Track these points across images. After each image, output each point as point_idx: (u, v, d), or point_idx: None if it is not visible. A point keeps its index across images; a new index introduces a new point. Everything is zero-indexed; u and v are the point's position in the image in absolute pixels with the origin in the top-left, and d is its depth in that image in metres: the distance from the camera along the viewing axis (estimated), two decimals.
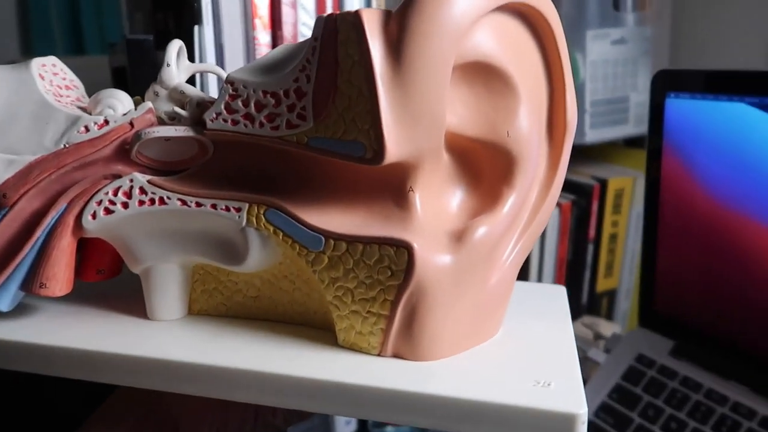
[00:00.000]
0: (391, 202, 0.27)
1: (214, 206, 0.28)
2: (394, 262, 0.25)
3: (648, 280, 0.51)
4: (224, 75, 0.32)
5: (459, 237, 0.27)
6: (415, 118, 0.25)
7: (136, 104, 0.31)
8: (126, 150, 0.29)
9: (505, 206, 0.28)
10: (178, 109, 0.28)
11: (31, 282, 0.29)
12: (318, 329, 0.30)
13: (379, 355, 0.27)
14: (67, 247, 0.29)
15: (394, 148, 0.25)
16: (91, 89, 0.32)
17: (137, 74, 0.41)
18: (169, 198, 0.28)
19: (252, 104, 0.27)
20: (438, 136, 0.26)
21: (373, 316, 0.26)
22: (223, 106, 0.27)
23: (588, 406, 0.23)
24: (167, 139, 0.29)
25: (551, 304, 0.34)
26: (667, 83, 0.47)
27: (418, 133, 0.25)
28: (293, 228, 0.27)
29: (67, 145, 0.29)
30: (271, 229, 0.27)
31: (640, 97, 0.61)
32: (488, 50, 0.26)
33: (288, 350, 0.28)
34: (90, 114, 0.30)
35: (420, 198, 0.27)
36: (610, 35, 0.59)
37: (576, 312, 0.65)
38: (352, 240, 0.26)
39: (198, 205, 0.28)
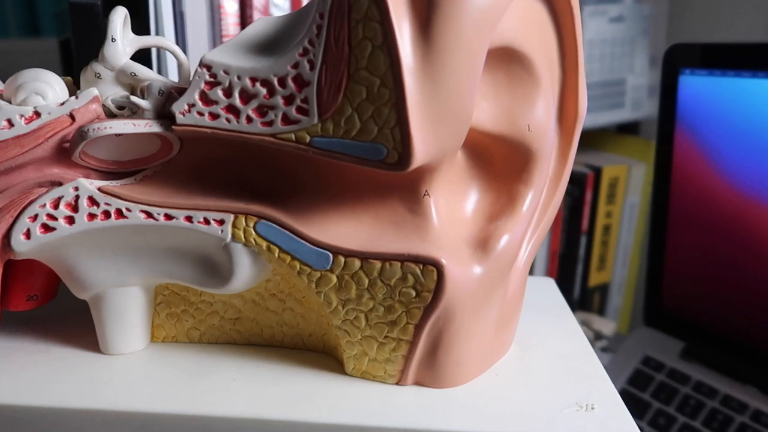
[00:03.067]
0: (403, 209, 0.23)
1: (189, 219, 0.23)
2: (421, 282, 0.22)
3: (655, 275, 0.46)
4: (178, 52, 0.27)
5: (482, 245, 0.23)
6: (443, 114, 0.21)
7: (69, 89, 0.25)
8: (64, 149, 0.23)
9: (524, 206, 0.25)
10: (136, 99, 0.23)
11: None
12: (314, 353, 0.26)
13: (397, 384, 0.24)
14: None
15: (422, 151, 0.21)
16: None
17: (83, 45, 0.33)
18: (129, 210, 0.23)
19: (236, 94, 0.22)
20: (463, 134, 0.22)
21: (393, 341, 0.23)
22: (197, 96, 0.22)
23: None
24: (118, 134, 0.23)
25: (546, 299, 0.32)
26: (681, 58, 0.42)
27: (445, 131, 0.21)
28: (292, 243, 0.23)
29: None
30: (264, 244, 0.23)
31: (637, 80, 0.57)
32: (514, 35, 0.23)
33: (287, 385, 0.23)
34: (9, 103, 0.23)
35: (435, 202, 0.24)
36: (607, 12, 0.54)
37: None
38: (367, 257, 0.22)
39: (168, 217, 0.23)
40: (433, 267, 0.22)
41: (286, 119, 0.22)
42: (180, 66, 0.26)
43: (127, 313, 0.25)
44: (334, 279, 0.23)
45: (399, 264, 0.22)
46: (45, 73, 0.24)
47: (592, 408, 0.22)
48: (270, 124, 0.22)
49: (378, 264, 0.22)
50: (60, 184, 0.23)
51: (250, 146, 0.22)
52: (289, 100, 0.21)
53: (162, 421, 0.22)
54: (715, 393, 0.42)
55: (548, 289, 0.34)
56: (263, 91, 0.22)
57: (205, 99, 0.22)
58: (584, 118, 0.28)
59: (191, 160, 0.24)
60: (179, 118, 0.22)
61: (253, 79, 0.22)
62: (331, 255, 0.23)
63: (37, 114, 0.22)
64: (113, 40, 0.24)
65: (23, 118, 0.22)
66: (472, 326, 0.23)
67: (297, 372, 0.24)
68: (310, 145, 0.22)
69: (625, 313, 0.63)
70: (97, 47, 0.25)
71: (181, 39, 0.34)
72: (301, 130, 0.22)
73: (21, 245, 0.23)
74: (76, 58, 0.33)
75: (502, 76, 0.24)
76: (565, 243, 0.58)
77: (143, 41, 0.26)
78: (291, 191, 0.23)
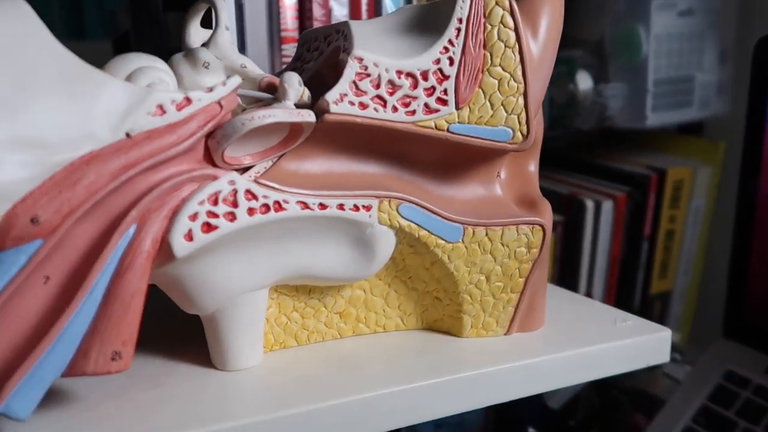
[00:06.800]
0: (481, 188, 0.28)
1: (341, 207, 0.23)
2: (530, 240, 0.27)
3: (737, 284, 0.42)
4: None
5: (533, 207, 0.29)
6: (538, 100, 0.27)
7: None
8: (205, 140, 0.21)
9: (537, 178, 0.32)
10: (287, 88, 0.22)
11: (87, 356, 0.18)
12: (416, 331, 0.28)
13: (506, 334, 0.28)
14: (145, 289, 0.19)
15: (533, 132, 0.26)
16: None
17: (142, 41, 0.26)
18: (286, 201, 0.22)
19: (384, 86, 0.23)
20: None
21: (506, 295, 0.27)
22: (348, 86, 0.23)
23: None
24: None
25: None
26: None
27: (534, 114, 0.27)
28: (432, 221, 0.25)
29: (131, 135, 0.19)
30: (406, 224, 0.25)
31: (705, 77, 0.54)
32: None
33: (432, 355, 0.25)
34: None
35: (499, 180, 0.29)
36: (677, 5, 0.51)
37: None
38: (489, 225, 0.26)
39: (322, 206, 0.23)
40: (539, 226, 0.27)
41: (428, 108, 0.24)
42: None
43: (255, 321, 0.23)
44: (464, 248, 0.26)
45: (515, 227, 0.27)
46: (155, 59, 0.21)
47: (628, 321, 0.30)
48: (413, 113, 0.24)
49: (499, 230, 0.26)
50: (214, 177, 0.21)
51: (383, 132, 0.24)
52: (430, 91, 0.24)
53: (379, 402, 0.22)
54: None
55: None
56: (407, 83, 0.24)
57: (357, 89, 0.23)
58: None
59: (319, 148, 0.24)
60: (333, 108, 0.23)
61: (399, 72, 0.24)
62: (461, 228, 0.26)
63: (188, 100, 0.20)
64: (227, 28, 0.23)
65: (175, 104, 0.20)
66: (546, 272, 0.29)
67: (423, 346, 0.26)
68: (447, 131, 0.25)
69: (686, 322, 0.60)
70: (157, 42, 0.23)
71: (239, 31, 0.30)
72: (440, 118, 0.24)
73: (183, 249, 0.20)
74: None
75: None
76: (626, 248, 0.55)
77: None
78: (414, 175, 0.26)
